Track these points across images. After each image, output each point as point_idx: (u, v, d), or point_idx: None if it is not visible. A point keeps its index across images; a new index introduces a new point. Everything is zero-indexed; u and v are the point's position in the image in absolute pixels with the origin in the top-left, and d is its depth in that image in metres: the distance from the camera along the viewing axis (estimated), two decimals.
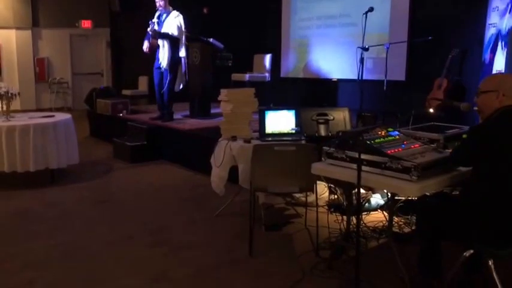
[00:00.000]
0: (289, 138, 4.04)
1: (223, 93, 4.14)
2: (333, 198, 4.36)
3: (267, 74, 8.22)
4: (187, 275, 3.19)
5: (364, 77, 5.86)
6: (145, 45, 6.87)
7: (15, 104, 11.03)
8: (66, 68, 12.84)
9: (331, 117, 4.25)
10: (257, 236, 3.67)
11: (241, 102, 4.10)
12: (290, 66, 9.00)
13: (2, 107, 5.52)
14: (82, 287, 3.06)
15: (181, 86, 7.16)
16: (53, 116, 5.83)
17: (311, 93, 8.44)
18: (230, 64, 7.73)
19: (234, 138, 4.06)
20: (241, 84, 7.68)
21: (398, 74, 7.08)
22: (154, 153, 6.60)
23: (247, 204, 3.77)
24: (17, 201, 4.89)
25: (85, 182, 5.60)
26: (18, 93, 5.83)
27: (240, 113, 4.09)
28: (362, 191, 4.30)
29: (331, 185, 4.33)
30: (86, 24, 12.78)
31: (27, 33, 12.29)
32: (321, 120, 4.23)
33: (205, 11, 9.90)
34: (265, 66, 8.33)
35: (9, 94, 5.48)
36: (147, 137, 6.68)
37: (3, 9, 11.94)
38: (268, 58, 8.33)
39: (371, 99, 6.32)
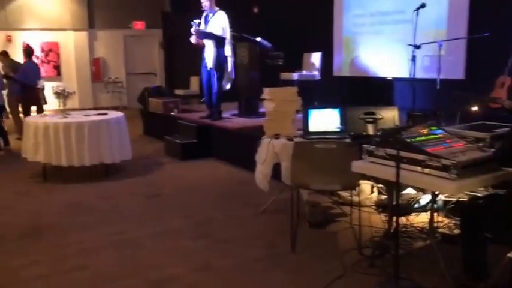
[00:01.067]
0: (333, 137, 4.04)
1: (266, 92, 4.21)
2: (381, 198, 4.34)
3: (316, 73, 8.18)
4: (229, 266, 3.29)
5: (418, 76, 5.69)
6: (193, 38, 7.01)
7: (74, 103, 11.74)
8: (120, 68, 13.39)
9: (380, 116, 4.21)
10: (300, 233, 3.72)
11: (284, 101, 4.15)
12: (341, 65, 8.90)
13: (59, 105, 5.88)
14: (130, 274, 3.23)
15: (228, 85, 7.29)
16: (106, 114, 6.13)
17: (363, 92, 8.29)
18: (281, 63, 7.78)
19: (277, 136, 4.12)
20: (290, 83, 7.71)
21: (457, 72, 6.81)
22: (204, 151, 6.79)
23: (291, 201, 3.82)
24: (73, 193, 5.20)
25: (137, 177, 5.85)
26: (74, 92, 6.16)
27: (283, 111, 4.14)
28: (412, 191, 4.26)
29: (380, 185, 4.32)
30: (139, 25, 13.26)
31: (84, 35, 12.92)
32: (369, 119, 4.21)
33: (255, 10, 10.01)
34: (314, 64, 8.31)
35: (66, 93, 5.82)
36: (197, 135, 6.87)
37: (61, 11, 12.62)
38: (318, 56, 8.30)
39: (425, 98, 6.15)
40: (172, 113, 8.23)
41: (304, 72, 8.12)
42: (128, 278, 3.17)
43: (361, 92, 8.33)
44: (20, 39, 12.28)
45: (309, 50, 8.52)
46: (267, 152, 4.05)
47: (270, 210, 4.36)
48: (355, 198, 4.17)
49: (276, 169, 4.17)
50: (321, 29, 9.06)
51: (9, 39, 12.17)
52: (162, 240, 3.81)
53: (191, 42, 7.05)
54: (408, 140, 2.71)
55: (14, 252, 3.62)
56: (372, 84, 8.17)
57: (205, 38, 6.89)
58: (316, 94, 7.73)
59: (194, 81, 10.81)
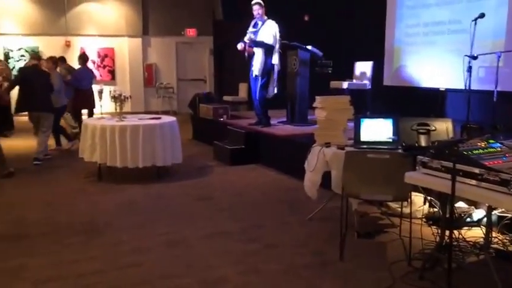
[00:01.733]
0: (385, 147, 4.01)
1: (318, 101, 4.24)
2: (432, 211, 4.26)
3: (367, 82, 8.11)
4: (277, 271, 3.33)
5: (474, 87, 5.54)
6: (240, 45, 7.12)
7: (127, 106, 12.12)
8: (172, 74, 13.78)
9: (433, 128, 4.14)
10: (349, 242, 3.72)
11: (335, 110, 4.17)
12: (392, 74, 8.77)
13: (116, 109, 6.13)
14: (181, 272, 3.33)
15: (274, 92, 7.30)
16: (159, 118, 6.34)
17: (413, 102, 8.13)
18: (330, 71, 7.77)
19: (327, 145, 4.13)
20: (339, 91, 7.69)
21: None
22: (252, 157, 6.88)
23: (340, 210, 3.82)
24: (126, 193, 5.41)
25: (187, 180, 6.01)
26: (130, 97, 6.42)
27: (334, 120, 4.16)
28: (464, 205, 4.16)
29: (431, 198, 4.24)
30: (191, 32, 13.62)
31: (138, 41, 13.41)
32: (421, 131, 4.14)
33: (306, 18, 10.05)
34: (365, 73, 8.24)
35: (122, 97, 6.06)
36: (245, 141, 6.98)
37: (117, 18, 13.15)
38: (369, 66, 8.23)
39: (480, 110, 5.97)
40: (222, 119, 8.39)
41: (354, 81, 8.06)
42: (180, 276, 3.27)
43: (412, 102, 8.16)
44: (78, 44, 12.89)
45: (360, 59, 8.46)
46: (317, 160, 4.08)
47: (318, 218, 4.38)
48: (405, 210, 4.11)
49: (325, 177, 4.18)
50: (372, 38, 8.98)
51: (68, 45, 12.79)
52: (213, 241, 3.90)
53: (240, 50, 7.17)
54: (465, 153, 2.66)
55: (71, 247, 3.80)
56: (423, 95, 8.00)
57: (256, 46, 6.99)
58: (366, 103, 7.67)
59: (242, 88, 10.97)
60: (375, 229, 4.13)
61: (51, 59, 8.00)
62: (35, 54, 8.00)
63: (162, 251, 3.72)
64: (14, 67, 12.01)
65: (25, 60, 12.18)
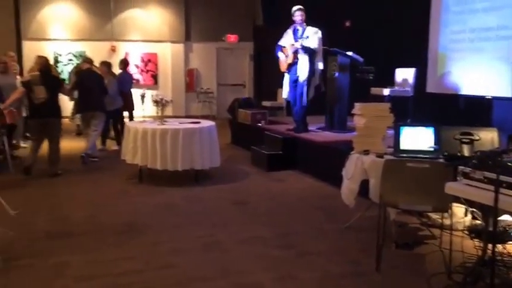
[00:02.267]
0: (426, 156, 3.92)
1: (357, 107, 4.20)
2: (475, 223, 4.13)
3: (409, 89, 7.94)
4: (312, 278, 3.31)
5: None
6: (284, 60, 7.12)
7: (168, 110, 12.37)
8: (212, 79, 13.98)
9: (477, 138, 4.02)
10: (386, 253, 3.63)
11: (375, 117, 4.11)
12: (436, 81, 8.53)
13: (157, 113, 6.28)
14: (215, 276, 3.37)
15: (309, 98, 7.24)
16: (199, 122, 6.43)
17: (457, 111, 7.90)
18: (371, 77, 7.66)
19: (366, 152, 4.08)
20: (380, 98, 7.56)
21: None
22: (289, 163, 6.87)
23: (377, 219, 3.76)
24: (166, 196, 5.52)
25: (225, 184, 6.07)
26: (171, 101, 6.55)
27: (373, 127, 4.10)
28: (508, 218, 4.00)
29: (474, 210, 4.11)
30: (232, 38, 13.78)
31: (180, 47, 13.69)
32: (465, 140, 4.03)
33: (347, 24, 9.96)
34: (407, 80, 8.07)
35: (164, 101, 6.20)
36: (283, 147, 6.98)
37: (160, 24, 13.48)
38: (411, 72, 8.06)
39: None
40: (260, 124, 8.43)
41: (396, 88, 7.91)
42: (215, 279, 3.31)
43: (455, 110, 7.93)
44: (123, 49, 13.28)
45: (401, 66, 8.29)
46: (355, 167, 4.03)
47: (355, 227, 4.32)
48: (446, 221, 4.00)
49: (363, 186, 4.13)
50: (414, 44, 8.78)
51: (113, 49, 13.21)
52: (248, 246, 3.92)
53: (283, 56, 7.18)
54: (510, 164, 2.57)
55: (110, 246, 3.92)
56: (468, 103, 7.75)
57: (304, 52, 6.92)
58: (408, 111, 7.50)
59: (281, 94, 10.96)
60: (414, 240, 4.04)
61: (105, 63, 8.40)
62: (88, 58, 8.36)
63: (197, 253, 3.78)
64: (62, 71, 12.52)
65: (73, 64, 12.68)
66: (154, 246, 3.91)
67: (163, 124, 6.06)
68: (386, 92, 7.49)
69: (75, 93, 7.74)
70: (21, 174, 6.28)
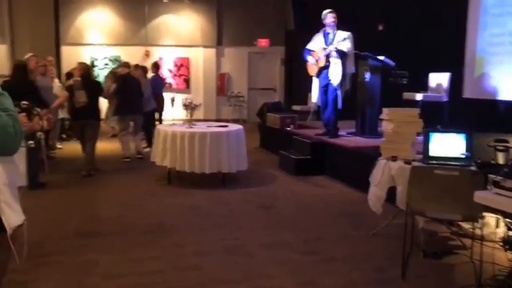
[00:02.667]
0: (456, 163, 3.81)
1: (385, 112, 4.13)
2: (509, 234, 3.97)
3: (443, 94, 7.74)
4: (335, 285, 3.27)
5: None
6: (312, 59, 7.08)
7: (199, 114, 12.54)
8: (243, 83, 14.06)
9: None
10: (413, 261, 3.55)
11: (403, 122, 4.04)
12: (472, 86, 8.26)
13: (186, 116, 6.36)
14: (238, 279, 3.37)
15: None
16: (226, 126, 6.48)
17: (494, 117, 7.62)
18: (405, 82, 7.51)
19: (394, 159, 4.00)
20: (413, 103, 7.40)
21: None
22: (317, 168, 6.82)
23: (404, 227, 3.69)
24: (193, 198, 5.57)
25: (251, 188, 6.08)
26: (200, 104, 6.63)
27: (401, 133, 4.03)
28: None
29: (508, 220, 3.97)
30: (263, 42, 13.83)
31: (212, 51, 13.84)
32: (500, 147, 3.89)
33: (380, 27, 9.83)
34: (442, 85, 7.87)
35: (193, 105, 6.28)
36: (311, 152, 6.93)
37: (193, 29, 13.67)
38: (446, 77, 7.85)
39: None
40: (288, 128, 8.40)
41: (429, 93, 7.72)
42: (237, 283, 3.31)
43: (492, 116, 7.66)
44: (157, 54, 13.53)
45: (436, 70, 8.10)
46: (382, 174, 3.96)
47: (382, 234, 4.24)
48: (478, 231, 3.87)
49: (391, 192, 4.05)
50: (449, 48, 8.57)
51: (147, 54, 13.47)
52: (272, 251, 3.91)
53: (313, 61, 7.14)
54: None
55: (136, 246, 3.98)
56: (506, 109, 7.48)
57: (338, 56, 6.85)
58: (442, 117, 7.31)
59: (311, 98, 10.90)
60: (443, 249, 3.93)
61: (140, 67, 8.76)
62: (127, 63, 8.67)
63: (221, 256, 3.79)
64: (98, 75, 12.86)
65: (108, 68, 13.01)
66: (180, 248, 3.95)
67: (192, 127, 6.13)
68: (419, 97, 7.32)
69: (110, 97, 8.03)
70: (84, 176, 6.56)
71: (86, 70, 7.03)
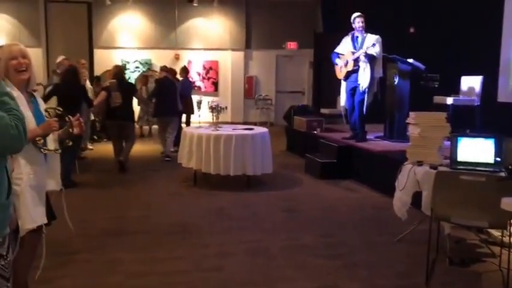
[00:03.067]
0: (485, 169, 3.71)
1: (412, 116, 4.07)
2: None
3: (475, 98, 7.54)
4: None
5: None
6: (341, 67, 7.04)
7: (227, 116, 12.64)
8: (271, 86, 14.08)
9: None
10: (439, 268, 3.50)
11: (430, 126, 3.96)
12: (509, 91, 8.01)
13: (212, 119, 6.42)
14: (259, 281, 3.38)
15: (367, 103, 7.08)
16: (252, 129, 6.51)
17: None
18: (436, 85, 7.37)
19: (420, 163, 3.93)
20: (443, 107, 7.23)
21: None
22: (344, 172, 6.75)
23: (431, 232, 3.61)
24: (217, 199, 5.62)
25: (276, 191, 6.08)
26: (226, 107, 6.69)
27: (428, 137, 3.95)
28: None
29: None
30: (292, 45, 13.81)
31: (241, 54, 13.91)
32: None
33: (411, 30, 9.68)
34: (474, 89, 7.67)
35: (219, 108, 6.34)
36: (337, 155, 6.88)
37: (222, 32, 13.78)
38: (478, 80, 7.65)
39: None
40: (315, 132, 8.36)
41: (461, 97, 7.54)
42: (258, 285, 3.33)
43: None
44: (186, 57, 13.71)
45: (468, 73, 7.89)
46: (407, 178, 3.90)
47: (407, 240, 4.17)
48: (507, 239, 3.75)
49: (418, 197, 3.97)
50: (483, 51, 8.35)
51: (177, 58, 13.66)
52: (294, 254, 3.90)
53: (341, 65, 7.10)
54: None
55: (161, 246, 4.04)
56: None
57: (367, 60, 6.79)
58: (473, 121, 7.13)
59: (340, 101, 10.81)
60: (470, 257, 3.83)
61: (170, 70, 8.96)
62: (165, 67, 8.93)
63: (243, 258, 3.81)
64: (129, 78, 13.11)
65: (139, 71, 13.28)
66: (203, 249, 3.99)
67: (218, 130, 6.18)
68: (449, 100, 7.15)
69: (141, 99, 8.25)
70: (119, 173, 6.93)
71: (121, 72, 7.40)
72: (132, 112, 7.36)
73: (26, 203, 2.36)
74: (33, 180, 2.40)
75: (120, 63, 13.37)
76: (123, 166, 7.04)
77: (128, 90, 7.19)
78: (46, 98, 6.41)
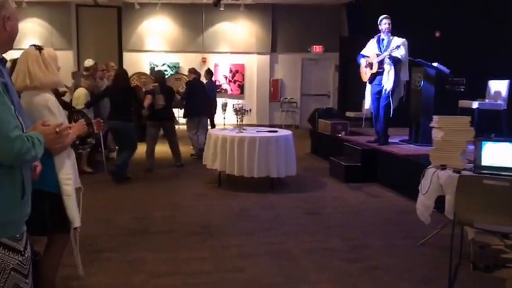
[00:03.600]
0: (509, 174, 3.65)
1: (435, 120, 4.05)
2: None
3: (502, 102, 7.40)
4: None
5: None
6: (366, 70, 7.02)
7: (252, 119, 12.73)
8: (296, 89, 14.11)
9: None
10: (462, 273, 3.46)
11: (454, 130, 3.93)
12: None
13: (237, 121, 6.50)
14: (281, 283, 3.42)
15: (393, 108, 7.02)
16: (276, 131, 6.55)
17: None
18: (462, 89, 7.27)
19: (443, 167, 3.90)
20: (469, 112, 7.13)
21: None
22: (368, 175, 6.72)
23: (455, 237, 3.58)
24: (241, 200, 5.69)
25: (300, 193, 6.11)
26: (250, 110, 6.78)
27: (452, 141, 3.92)
28: None
29: None
30: (317, 49, 13.81)
31: (266, 58, 14.00)
32: None
33: (437, 34, 9.56)
34: (500, 93, 7.53)
35: (243, 110, 6.41)
36: (361, 159, 6.85)
37: (248, 36, 13.89)
38: (505, 84, 7.51)
39: None
40: (339, 135, 8.34)
41: (487, 101, 7.41)
42: (280, 287, 3.37)
43: None
44: (213, 60, 13.87)
45: (495, 78, 7.75)
46: (430, 182, 3.87)
47: (430, 244, 4.14)
48: None
49: (441, 201, 3.94)
50: (510, 55, 8.18)
51: (204, 61, 13.83)
52: (316, 256, 3.92)
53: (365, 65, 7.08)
54: None
55: (185, 246, 4.13)
56: None
57: (392, 62, 6.75)
58: (499, 125, 7.00)
59: (365, 104, 10.74)
60: (495, 263, 3.76)
61: (197, 72, 9.13)
62: (193, 69, 9.15)
63: (265, 259, 3.85)
64: None
65: (168, 74, 13.52)
66: (225, 249, 4.06)
67: (242, 132, 6.25)
68: (475, 105, 7.05)
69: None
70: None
71: (162, 77, 8.06)
72: (172, 113, 7.97)
73: (74, 202, 2.50)
74: (75, 181, 2.54)
75: (148, 66, 13.72)
76: (150, 170, 7.38)
77: (168, 93, 7.74)
78: (98, 99, 7.07)
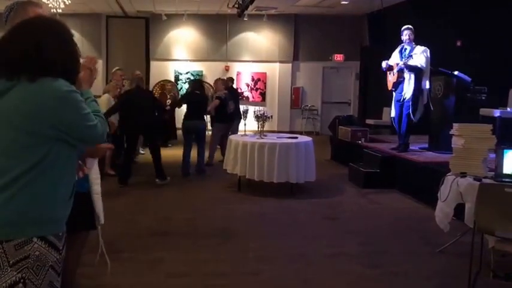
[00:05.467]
0: None
1: (456, 128, 4.03)
2: None
3: None
4: None
5: None
6: (385, 64, 7.04)
7: (273, 126, 12.79)
8: (317, 96, 14.16)
9: None
10: (482, 282, 3.42)
11: (474, 138, 3.91)
12: None
13: (258, 127, 6.57)
14: (298, 286, 3.45)
15: (419, 116, 7.01)
16: (296, 137, 6.60)
17: None
18: (483, 98, 7.20)
19: (463, 175, 3.88)
20: (490, 120, 7.05)
21: None
22: (387, 182, 6.69)
23: (474, 245, 3.56)
24: (261, 205, 5.74)
25: (319, 199, 6.13)
26: (271, 116, 6.83)
27: (472, 149, 3.89)
28: None
29: None
30: (338, 57, 13.86)
31: (288, 66, 14.11)
32: None
33: (458, 43, 9.48)
34: None
35: (264, 116, 6.48)
36: (381, 165, 6.84)
37: (271, 45, 14.02)
38: None
39: None
40: (359, 142, 8.33)
41: (508, 109, 7.31)
42: None
43: None
44: (235, 69, 14.04)
45: None
46: (449, 190, 3.85)
47: (449, 252, 4.11)
48: None
49: (461, 209, 3.91)
50: None
51: (227, 69, 14.01)
52: (333, 261, 3.94)
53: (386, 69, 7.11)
54: None
55: (204, 248, 4.19)
56: None
57: (409, 71, 6.77)
58: None
59: (386, 112, 10.70)
60: None
61: (222, 80, 9.46)
62: (221, 79, 9.53)
63: (283, 263, 3.88)
64: (181, 88, 13.62)
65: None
66: (243, 252, 4.10)
67: (262, 138, 6.31)
68: (497, 113, 6.98)
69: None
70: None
71: (231, 84, 9.40)
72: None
73: (101, 200, 2.63)
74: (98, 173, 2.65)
75: (173, 74, 13.99)
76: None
77: (236, 97, 8.95)
78: (178, 104, 8.51)
